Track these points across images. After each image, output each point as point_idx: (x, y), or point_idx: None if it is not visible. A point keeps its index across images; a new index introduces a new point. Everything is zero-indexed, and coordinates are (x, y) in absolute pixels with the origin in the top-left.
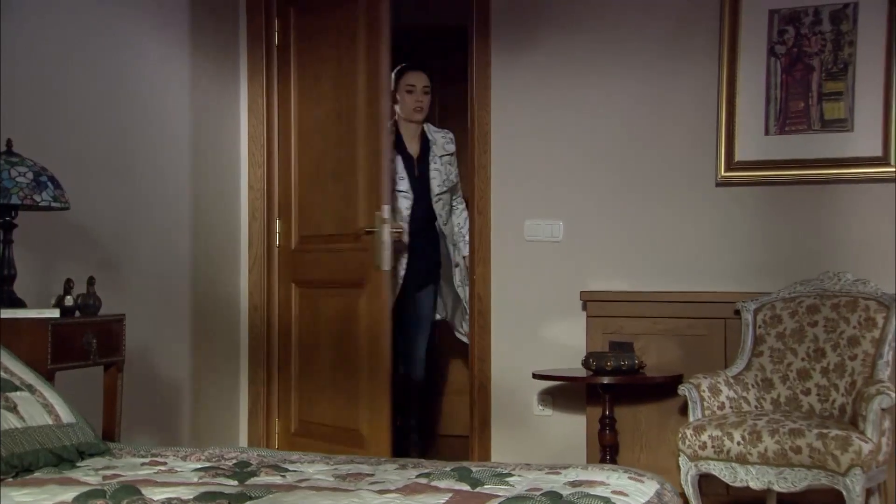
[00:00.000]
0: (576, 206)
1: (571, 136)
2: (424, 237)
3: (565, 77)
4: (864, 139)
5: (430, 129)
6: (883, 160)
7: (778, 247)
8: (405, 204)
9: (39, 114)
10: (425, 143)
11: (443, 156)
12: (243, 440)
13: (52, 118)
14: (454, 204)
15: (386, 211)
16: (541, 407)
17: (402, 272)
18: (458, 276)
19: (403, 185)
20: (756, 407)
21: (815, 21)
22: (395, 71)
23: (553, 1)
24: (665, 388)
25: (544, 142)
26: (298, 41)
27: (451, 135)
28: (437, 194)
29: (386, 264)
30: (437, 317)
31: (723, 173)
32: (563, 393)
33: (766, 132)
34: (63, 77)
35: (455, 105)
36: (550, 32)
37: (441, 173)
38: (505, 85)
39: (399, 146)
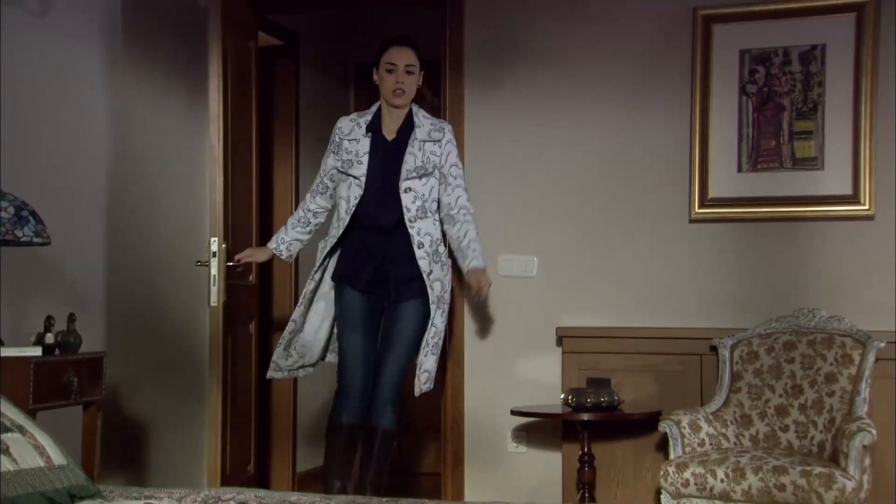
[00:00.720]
0: (550, 241)
1: (545, 172)
2: (390, 241)
3: (538, 114)
4: (834, 178)
5: (420, 114)
6: (853, 198)
7: (751, 283)
8: (355, 193)
9: (11, 149)
10: (409, 127)
11: (425, 141)
12: (210, 480)
13: (21, 153)
14: (453, 182)
15: (215, 244)
16: (515, 444)
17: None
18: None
19: (359, 170)
20: (735, 443)
21: (785, 61)
22: (379, 48)
23: (527, 38)
24: (641, 425)
25: (518, 178)
26: None
27: (446, 125)
28: (405, 179)
29: (213, 300)
30: None
31: (696, 210)
32: (538, 430)
33: (739, 169)
34: (34, 111)
35: None
36: (524, 69)
37: (416, 158)
38: (478, 120)
39: (377, 129)
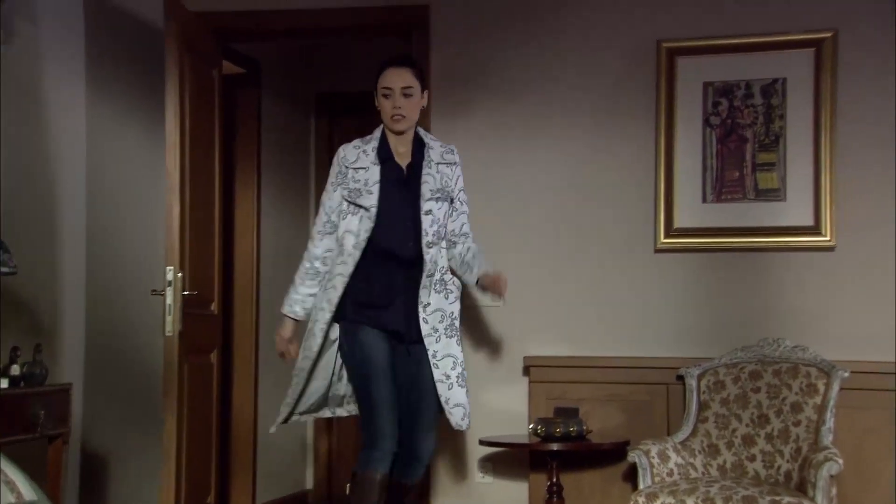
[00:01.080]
0: (517, 270)
1: (511, 202)
2: (415, 271)
3: (504, 144)
4: (796, 209)
5: (427, 135)
6: (815, 229)
7: (716, 312)
8: (366, 226)
9: None
10: (420, 151)
11: (440, 163)
12: None
13: None
14: (459, 208)
15: (170, 272)
16: (481, 474)
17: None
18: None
19: (369, 200)
20: (703, 473)
21: (747, 94)
22: (377, 71)
23: (492, 69)
24: (608, 454)
25: (484, 207)
26: None
27: (454, 148)
28: (427, 200)
29: (169, 329)
30: None
31: (662, 240)
32: (505, 460)
33: (704, 200)
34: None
35: None
36: (489, 100)
37: (435, 179)
38: None
39: (388, 157)
